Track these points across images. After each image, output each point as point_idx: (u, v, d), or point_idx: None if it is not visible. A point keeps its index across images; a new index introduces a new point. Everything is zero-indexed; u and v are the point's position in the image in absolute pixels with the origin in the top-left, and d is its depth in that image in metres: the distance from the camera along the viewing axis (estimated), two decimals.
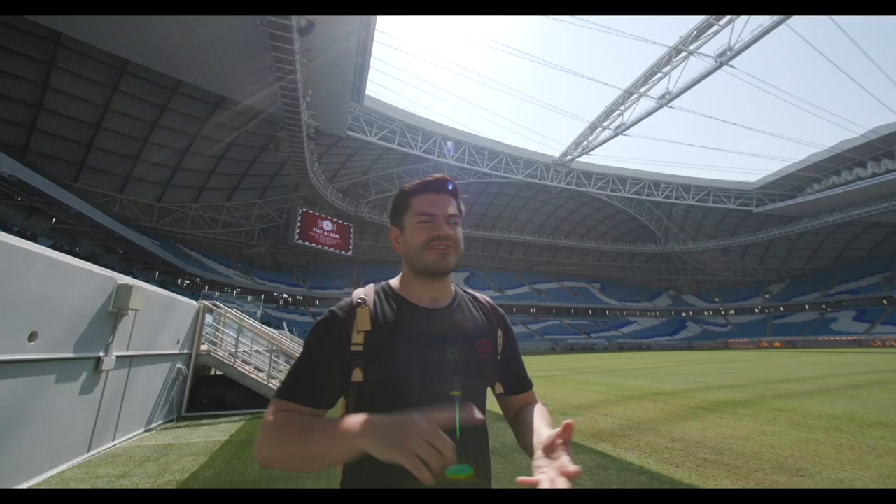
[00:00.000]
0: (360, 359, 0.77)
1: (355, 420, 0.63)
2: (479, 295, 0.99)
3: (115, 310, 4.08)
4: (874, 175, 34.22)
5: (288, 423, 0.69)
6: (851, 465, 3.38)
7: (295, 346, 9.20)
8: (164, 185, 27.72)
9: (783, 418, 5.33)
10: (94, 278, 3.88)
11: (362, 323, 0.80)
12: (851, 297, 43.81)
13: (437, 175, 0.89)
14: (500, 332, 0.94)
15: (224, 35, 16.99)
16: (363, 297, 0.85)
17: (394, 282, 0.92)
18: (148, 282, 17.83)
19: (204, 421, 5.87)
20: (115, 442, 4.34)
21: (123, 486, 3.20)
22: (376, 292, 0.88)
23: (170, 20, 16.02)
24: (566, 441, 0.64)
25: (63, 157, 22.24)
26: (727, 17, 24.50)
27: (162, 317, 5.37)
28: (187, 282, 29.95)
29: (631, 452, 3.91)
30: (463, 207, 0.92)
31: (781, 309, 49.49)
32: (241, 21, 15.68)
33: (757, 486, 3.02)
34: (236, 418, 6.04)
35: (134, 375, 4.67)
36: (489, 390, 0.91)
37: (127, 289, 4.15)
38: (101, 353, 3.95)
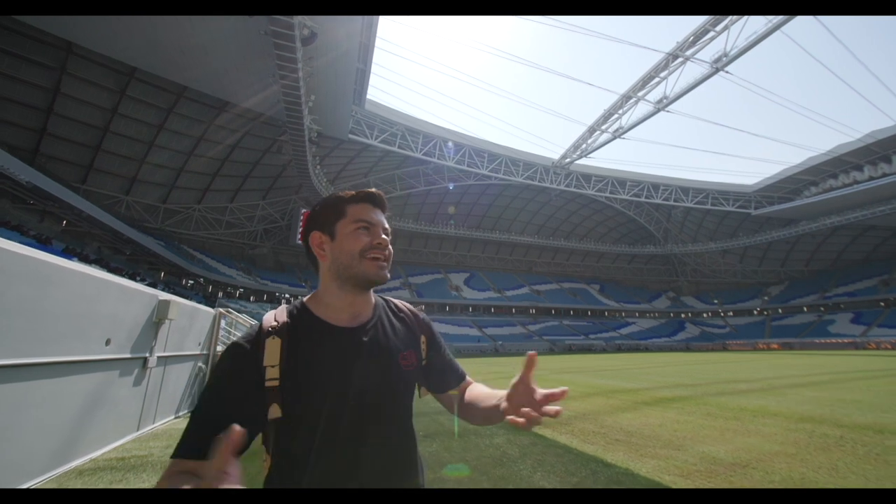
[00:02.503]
0: (277, 394, 0.71)
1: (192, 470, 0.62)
2: (399, 303, 0.97)
3: (156, 320, 5.00)
4: (871, 179, 34.50)
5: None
6: (714, 441, 4.29)
7: None
8: (168, 187, 28.24)
9: (701, 411, 6.10)
10: (144, 296, 4.81)
11: (271, 356, 0.73)
12: (849, 299, 44.06)
13: (374, 189, 0.90)
14: (423, 339, 0.93)
15: (228, 41, 17.46)
16: (274, 324, 0.78)
17: (309, 301, 0.86)
18: (154, 283, 18.40)
19: None
20: (154, 424, 5.32)
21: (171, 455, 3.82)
22: (290, 315, 0.81)
23: (175, 27, 16.50)
24: (530, 373, 0.68)
25: (71, 160, 22.78)
26: (724, 23, 24.87)
27: (188, 323, 6.21)
28: (191, 282, 30.49)
29: (564, 436, 4.62)
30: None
31: (780, 311, 49.76)
32: (245, 27, 16.13)
33: (651, 458, 3.74)
34: None
35: (168, 372, 5.61)
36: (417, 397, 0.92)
37: (166, 303, 5.07)
38: (147, 354, 4.89)
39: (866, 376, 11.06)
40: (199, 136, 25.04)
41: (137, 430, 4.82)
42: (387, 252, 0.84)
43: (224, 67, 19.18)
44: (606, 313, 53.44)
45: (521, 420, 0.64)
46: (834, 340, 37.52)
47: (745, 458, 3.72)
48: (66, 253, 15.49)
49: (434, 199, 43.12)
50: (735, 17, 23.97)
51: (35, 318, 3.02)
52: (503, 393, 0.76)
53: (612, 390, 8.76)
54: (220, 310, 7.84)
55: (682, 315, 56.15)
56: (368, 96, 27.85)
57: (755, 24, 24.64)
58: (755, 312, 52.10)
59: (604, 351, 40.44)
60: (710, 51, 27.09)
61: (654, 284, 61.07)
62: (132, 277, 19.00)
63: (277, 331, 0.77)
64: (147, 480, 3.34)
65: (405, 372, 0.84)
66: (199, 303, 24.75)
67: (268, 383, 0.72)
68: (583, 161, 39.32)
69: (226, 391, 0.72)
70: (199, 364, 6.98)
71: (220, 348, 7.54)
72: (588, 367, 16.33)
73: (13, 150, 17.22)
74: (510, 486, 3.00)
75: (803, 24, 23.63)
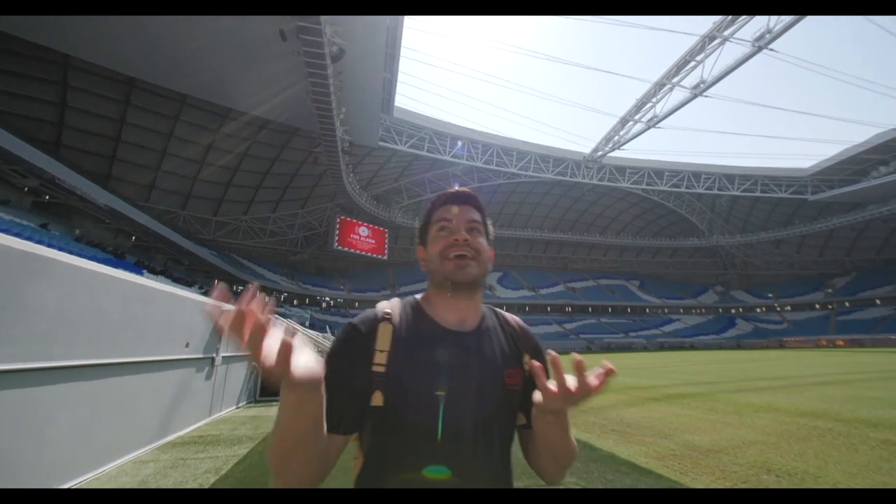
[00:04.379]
0: (381, 381, 0.71)
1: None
2: (509, 316, 0.92)
3: None
4: None
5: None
6: (702, 432, 4.45)
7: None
8: (218, 201, 30.70)
9: (706, 406, 6.24)
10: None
11: (383, 341, 0.75)
12: None
13: (459, 188, 0.89)
14: (525, 359, 0.85)
15: (263, 63, 18.82)
16: (388, 311, 0.80)
17: (420, 297, 0.87)
18: (208, 290, 20.18)
19: (273, 403, 7.78)
20: (221, 413, 6.35)
21: (238, 435, 4.98)
22: (402, 307, 0.83)
23: (217, 55, 18.07)
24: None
25: (137, 181, 25.50)
26: None
27: None
28: (241, 288, 32.84)
29: None
30: (490, 225, 0.88)
31: (847, 304, 45.35)
32: (279, 49, 17.30)
33: (637, 444, 3.96)
34: None
35: (230, 370, 6.61)
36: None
37: (227, 313, 6.09)
38: (214, 355, 5.86)
39: None
40: (243, 153, 27.07)
41: (209, 415, 5.85)
42: (468, 249, 0.79)
43: (260, 85, 20.68)
44: (647, 310, 51.23)
45: (553, 391, 0.63)
46: None
47: (723, 445, 3.94)
48: (138, 266, 17.43)
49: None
50: None
51: (142, 328, 4.11)
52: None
53: (627, 387, 8.82)
54: (270, 316, 8.94)
55: (732, 310, 52.63)
56: (396, 104, 28.75)
57: None
58: (817, 306, 47.82)
59: (645, 349, 38.91)
60: (750, 29, 25.46)
61: (699, 279, 57.69)
62: (190, 286, 20.96)
63: (390, 318, 0.78)
64: (221, 453, 4.25)
65: (510, 390, 0.78)
66: None
67: (375, 368, 0.73)
68: (616, 153, 38.10)
69: (341, 371, 0.72)
70: (254, 363, 8.02)
71: None
72: (624, 366, 16.03)
73: (92, 175, 19.61)
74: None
75: None
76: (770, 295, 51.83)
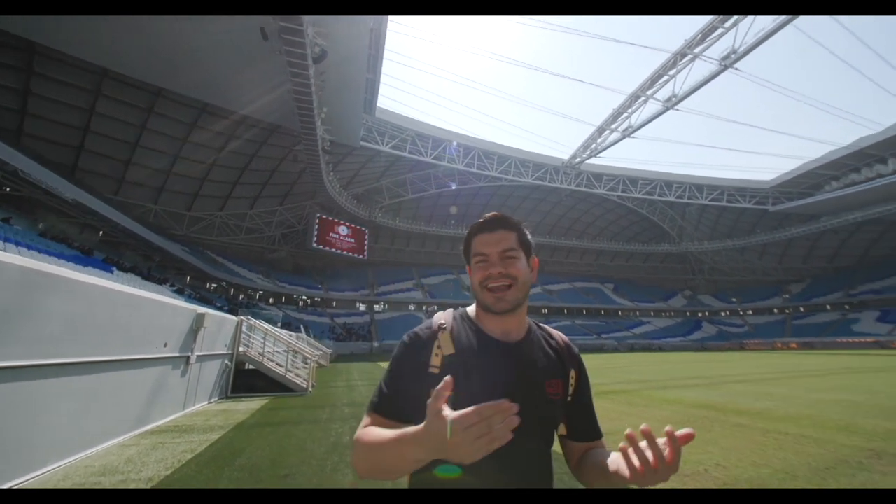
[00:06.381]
0: (434, 382, 0.71)
1: (411, 434, 0.63)
2: (554, 332, 0.98)
3: (195, 328, 6.53)
4: None
5: (369, 438, 0.73)
6: (604, 421, 5.69)
7: (309, 348, 10.75)
8: (193, 196, 29.81)
9: (629, 400, 7.14)
10: (186, 311, 6.49)
11: (445, 346, 0.84)
12: (875, 297, 42.45)
13: (491, 213, 0.91)
14: (572, 374, 0.92)
15: (242, 56, 18.47)
16: (444, 321, 0.89)
17: (470, 310, 0.94)
18: (181, 288, 19.65)
19: (243, 398, 8.24)
20: (194, 407, 6.85)
21: (210, 425, 5.37)
22: (454, 318, 0.91)
23: (197, 51, 17.65)
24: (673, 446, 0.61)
25: (106, 174, 24.50)
26: (732, 20, 24.61)
27: (217, 329, 7.61)
28: (214, 286, 32.02)
29: None
30: (529, 238, 0.93)
31: (801, 309, 48.31)
32: (260, 47, 17.07)
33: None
34: (264, 398, 8.26)
35: (203, 368, 7.10)
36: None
37: (202, 315, 6.64)
38: (189, 354, 6.37)
39: (830, 373, 11.69)
40: (219, 147, 26.41)
41: (183, 409, 6.41)
42: (503, 280, 0.84)
43: (240, 82, 20.28)
44: (620, 313, 52.97)
45: (637, 466, 0.63)
46: (857, 340, 36.33)
47: (616, 429, 4.39)
48: (107, 263, 16.79)
49: (445, 201, 43.76)
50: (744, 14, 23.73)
51: (128, 330, 4.72)
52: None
53: None
54: (241, 317, 9.17)
55: (699, 314, 55.10)
56: (379, 104, 28.71)
57: (764, 20, 24.30)
58: (775, 311, 50.72)
59: (615, 350, 40.26)
60: (718, 48, 26.82)
61: (669, 283, 60.10)
62: (161, 283, 20.35)
63: (447, 328, 0.88)
64: (196, 438, 4.77)
65: (551, 400, 0.84)
66: (222, 305, 25.90)
67: (431, 370, 0.82)
68: (593, 160, 39.25)
69: (403, 369, 0.85)
70: (226, 362, 8.31)
71: (242, 349, 8.76)
72: None
73: (56, 166, 18.74)
74: None
75: (815, 18, 23.22)
76: (734, 299, 54.58)
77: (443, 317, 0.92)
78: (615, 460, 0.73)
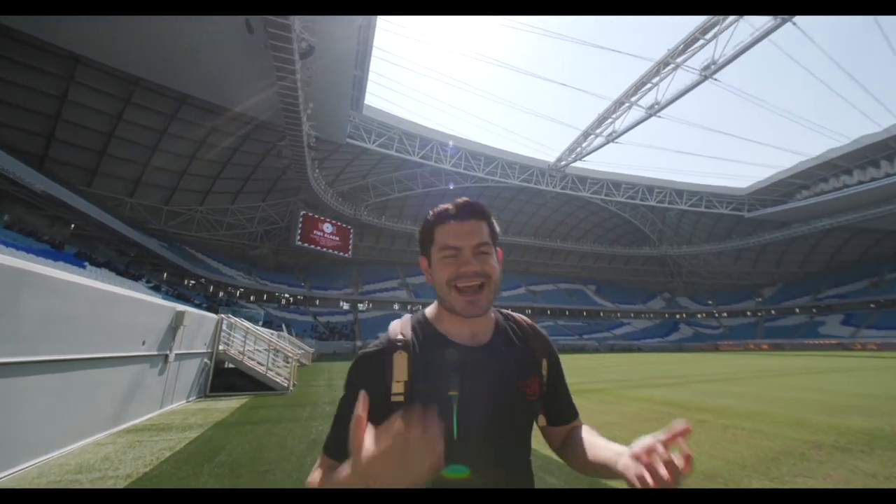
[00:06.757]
0: (401, 410, 0.66)
1: (344, 472, 0.56)
2: (519, 318, 0.92)
3: (174, 326, 6.48)
4: (860, 183, 35.13)
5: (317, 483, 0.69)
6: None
7: (291, 346, 10.74)
8: (171, 189, 29.01)
9: (598, 399, 7.45)
10: (166, 309, 6.42)
11: (400, 372, 0.75)
12: (840, 301, 44.68)
13: (462, 199, 0.83)
14: (544, 364, 0.88)
15: (228, 48, 18.14)
16: (400, 338, 0.79)
17: (430, 313, 0.86)
18: (157, 285, 19.20)
19: (222, 397, 8.18)
20: (172, 405, 6.77)
21: (189, 423, 5.36)
22: (413, 329, 0.82)
23: (174, 34, 17.21)
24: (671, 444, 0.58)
25: (78, 164, 23.59)
26: (712, 32, 25.50)
27: (197, 327, 7.56)
28: (193, 282, 31.28)
29: None
30: (497, 228, 0.84)
31: (773, 312, 50.42)
32: (245, 37, 16.81)
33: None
34: (244, 397, 8.26)
35: (182, 366, 7.05)
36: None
37: (181, 313, 6.62)
38: (168, 352, 6.30)
39: (791, 373, 12.50)
40: (200, 140, 25.79)
41: (160, 407, 6.37)
42: (477, 279, 0.76)
43: (224, 74, 19.89)
44: (602, 314, 54.13)
45: (650, 480, 0.58)
46: (822, 342, 38.19)
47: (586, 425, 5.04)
48: (79, 257, 16.25)
49: (432, 200, 43.80)
50: (724, 25, 24.64)
51: (106, 328, 4.70)
52: (622, 448, 0.69)
53: None
54: (222, 315, 9.07)
55: (677, 316, 56.81)
56: (366, 102, 28.58)
57: (742, 33, 25.29)
58: (748, 313, 52.76)
59: (596, 351, 41.17)
60: (699, 58, 27.76)
61: (649, 285, 61.73)
62: (137, 279, 19.82)
63: (404, 345, 0.78)
64: (174, 436, 4.76)
65: (529, 402, 0.79)
66: (201, 303, 25.36)
67: (394, 398, 0.73)
68: (578, 164, 39.99)
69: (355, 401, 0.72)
70: (205, 360, 8.25)
71: (222, 347, 8.66)
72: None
73: (24, 155, 17.99)
74: None
75: (790, 33, 24.33)
76: (710, 302, 56.51)
77: (399, 329, 0.82)
78: (618, 463, 0.66)
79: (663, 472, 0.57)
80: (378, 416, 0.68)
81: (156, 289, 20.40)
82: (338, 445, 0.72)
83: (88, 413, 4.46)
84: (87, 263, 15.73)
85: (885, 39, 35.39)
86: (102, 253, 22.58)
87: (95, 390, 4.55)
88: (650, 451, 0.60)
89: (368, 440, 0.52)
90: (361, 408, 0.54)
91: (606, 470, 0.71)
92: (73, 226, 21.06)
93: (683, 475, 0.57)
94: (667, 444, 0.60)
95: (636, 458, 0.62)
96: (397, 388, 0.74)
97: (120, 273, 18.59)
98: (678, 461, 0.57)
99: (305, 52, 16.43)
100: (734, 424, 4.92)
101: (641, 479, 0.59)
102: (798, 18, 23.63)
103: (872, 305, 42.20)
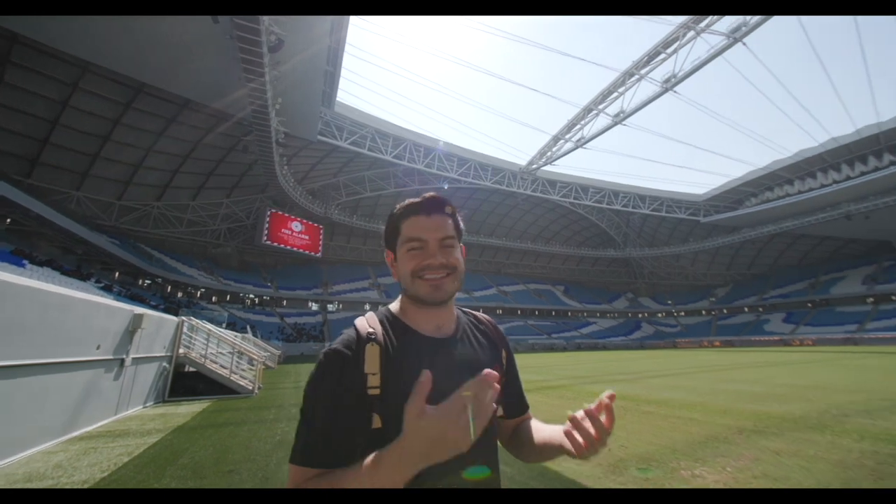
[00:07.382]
0: (378, 403, 0.70)
1: (389, 455, 0.56)
2: (479, 315, 0.95)
3: (132, 329, 6.29)
4: (800, 192, 38.46)
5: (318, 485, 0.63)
6: (539, 413, 7.16)
7: (256, 349, 10.47)
8: (125, 184, 27.28)
9: (558, 395, 7.90)
10: (123, 312, 6.21)
11: (372, 363, 0.73)
12: (782, 300, 48.59)
13: (429, 194, 0.84)
14: (503, 354, 0.91)
15: (191, 38, 17.35)
16: (370, 330, 0.78)
17: (395, 307, 0.87)
18: (108, 284, 18.08)
19: (183, 402, 7.94)
20: (128, 411, 6.61)
21: (147, 429, 5.24)
22: (381, 322, 0.82)
23: (135, 23, 16.31)
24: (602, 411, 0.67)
25: (14, 153, 21.74)
26: (673, 47, 27.08)
27: (156, 330, 7.32)
28: (148, 282, 29.58)
29: None
30: (461, 224, 0.87)
31: (725, 311, 54.06)
32: (210, 29, 16.15)
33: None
34: (206, 401, 8.09)
35: (139, 371, 6.82)
36: None
37: (139, 316, 6.34)
38: (124, 356, 6.15)
39: (734, 367, 13.71)
40: (159, 133, 24.45)
41: (116, 413, 6.20)
42: (442, 270, 0.78)
43: (185, 64, 18.99)
44: (570, 313, 55.96)
45: (581, 442, 0.66)
46: (767, 338, 41.43)
47: (544, 420, 5.74)
48: (16, 255, 14.98)
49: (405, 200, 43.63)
50: (683, 41, 26.24)
51: (57, 332, 4.52)
52: (561, 426, 0.74)
53: None
54: (183, 318, 8.81)
55: (640, 315, 59.68)
56: (338, 99, 28.13)
57: (699, 49, 27.02)
58: (703, 312, 56.30)
59: (564, 349, 42.56)
60: (661, 71, 29.39)
61: (614, 286, 64.47)
62: (85, 279, 18.54)
63: (375, 338, 0.77)
64: (132, 441, 4.63)
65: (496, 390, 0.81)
66: (157, 304, 24.12)
67: (370, 391, 0.71)
68: (549, 168, 41.18)
69: (336, 399, 0.70)
70: (164, 364, 8.01)
71: (182, 350, 8.37)
72: (527, 366, 17.77)
73: None
74: None
75: (741, 53, 26.26)
76: (669, 302, 59.80)
77: (367, 324, 0.81)
78: (557, 436, 0.76)
79: (591, 429, 0.68)
80: (354, 410, 0.70)
81: (107, 289, 19.16)
82: (328, 451, 0.67)
83: (36, 421, 4.30)
84: (26, 262, 14.56)
85: (819, 62, 39.01)
86: (44, 250, 20.93)
87: (44, 397, 4.39)
88: (582, 419, 0.71)
89: (432, 408, 0.56)
90: (427, 379, 0.57)
91: (550, 447, 0.79)
92: (9, 220, 19.37)
93: (608, 431, 0.68)
94: (596, 411, 0.70)
95: (571, 425, 0.72)
96: (373, 381, 0.72)
97: (65, 272, 17.32)
98: (604, 420, 0.68)
99: (274, 45, 16.01)
100: (674, 414, 5.40)
101: (576, 443, 0.69)
102: (748, 38, 25.55)
103: (810, 305, 46.19)
